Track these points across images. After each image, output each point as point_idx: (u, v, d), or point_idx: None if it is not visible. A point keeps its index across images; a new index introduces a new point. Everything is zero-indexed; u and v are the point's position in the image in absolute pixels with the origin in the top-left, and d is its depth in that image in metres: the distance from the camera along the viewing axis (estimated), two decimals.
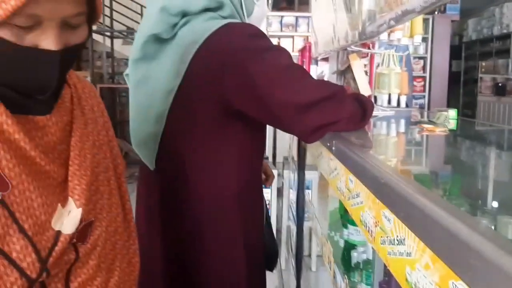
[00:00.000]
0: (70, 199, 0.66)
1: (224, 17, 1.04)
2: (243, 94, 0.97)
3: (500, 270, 0.36)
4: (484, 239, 0.40)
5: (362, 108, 1.04)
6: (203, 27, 0.98)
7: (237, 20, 1.05)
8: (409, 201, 0.55)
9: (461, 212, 0.48)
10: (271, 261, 1.36)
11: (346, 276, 1.20)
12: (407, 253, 0.56)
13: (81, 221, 0.67)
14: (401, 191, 0.58)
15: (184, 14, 1.02)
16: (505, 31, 7.35)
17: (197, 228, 1.07)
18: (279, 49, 1.00)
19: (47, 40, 0.58)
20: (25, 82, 0.61)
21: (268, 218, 1.32)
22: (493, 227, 0.51)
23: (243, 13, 1.11)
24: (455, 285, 0.43)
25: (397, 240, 0.59)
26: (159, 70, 1.03)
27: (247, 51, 0.96)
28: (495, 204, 0.73)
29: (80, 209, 0.67)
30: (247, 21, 1.12)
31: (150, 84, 1.05)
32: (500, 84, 6.76)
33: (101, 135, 0.77)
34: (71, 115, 0.71)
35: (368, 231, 0.74)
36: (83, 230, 0.69)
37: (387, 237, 0.64)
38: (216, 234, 1.08)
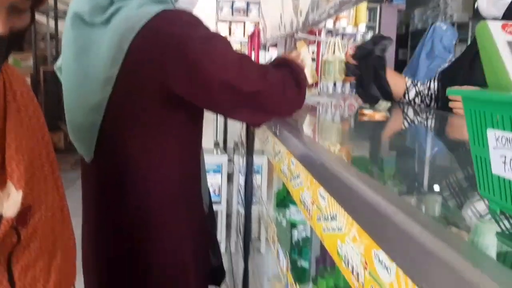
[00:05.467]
0: (8, 182, 0.66)
1: (156, 2, 1.01)
2: (186, 80, 0.97)
3: (411, 239, 0.40)
4: (400, 211, 0.44)
5: (298, 88, 1.07)
6: (138, 14, 0.96)
7: (171, 6, 1.03)
8: (340, 180, 0.59)
9: (383, 189, 0.52)
10: (217, 276, 1.34)
11: (287, 253, 1.25)
12: (338, 228, 0.60)
13: (21, 204, 0.67)
14: (333, 171, 0.62)
15: None
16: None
17: (141, 218, 1.07)
18: (218, 36, 1.01)
19: None
20: None
21: (211, 209, 1.31)
22: (414, 204, 0.55)
23: None
24: (377, 254, 0.47)
25: (330, 216, 0.64)
26: (94, 58, 1.00)
27: (186, 38, 0.95)
28: (423, 184, 0.79)
29: (21, 192, 0.66)
30: (176, 6, 1.09)
31: (85, 73, 1.02)
32: None
33: (32, 121, 0.75)
34: (4, 100, 0.69)
35: (307, 210, 0.78)
36: (23, 214, 0.69)
37: (322, 214, 0.68)
38: (162, 223, 1.08)
